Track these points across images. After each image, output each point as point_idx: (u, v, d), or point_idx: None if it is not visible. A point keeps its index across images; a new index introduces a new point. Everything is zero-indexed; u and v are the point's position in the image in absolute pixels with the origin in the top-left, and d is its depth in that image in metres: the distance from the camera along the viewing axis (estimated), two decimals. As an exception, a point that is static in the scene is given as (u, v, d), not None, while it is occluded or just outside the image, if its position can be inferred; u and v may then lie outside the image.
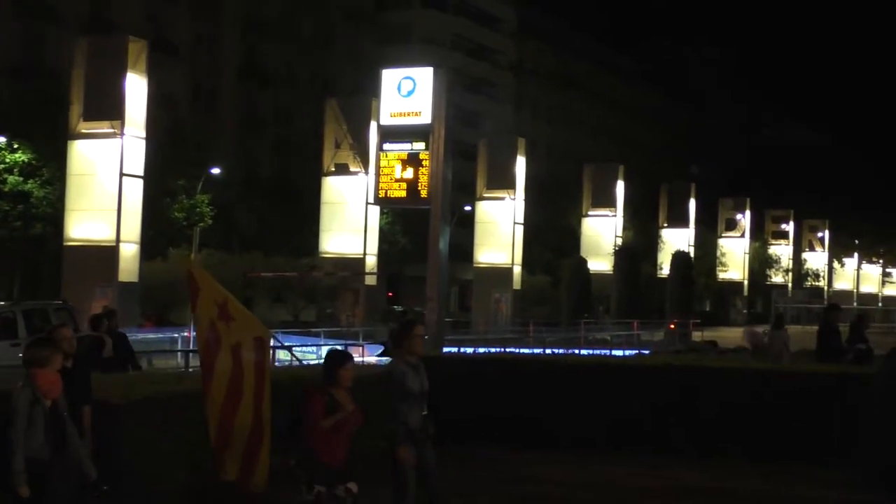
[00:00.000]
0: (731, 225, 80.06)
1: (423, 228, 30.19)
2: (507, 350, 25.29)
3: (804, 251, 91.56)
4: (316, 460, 7.27)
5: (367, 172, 42.32)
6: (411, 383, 8.00)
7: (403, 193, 28.86)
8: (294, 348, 24.39)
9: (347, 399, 7.42)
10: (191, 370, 17.94)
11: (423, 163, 28.26)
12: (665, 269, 64.70)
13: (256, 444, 7.88)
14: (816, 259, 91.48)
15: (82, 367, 8.37)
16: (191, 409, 8.81)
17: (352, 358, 7.75)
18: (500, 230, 51.78)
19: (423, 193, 27.80)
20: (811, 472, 11.77)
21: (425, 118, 27.95)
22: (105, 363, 12.75)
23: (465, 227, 55.28)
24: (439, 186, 25.38)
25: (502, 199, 51.84)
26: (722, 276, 77.07)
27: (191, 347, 26.10)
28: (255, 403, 7.87)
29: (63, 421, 6.84)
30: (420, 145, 28.87)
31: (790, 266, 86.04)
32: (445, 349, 20.38)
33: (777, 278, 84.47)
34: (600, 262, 59.37)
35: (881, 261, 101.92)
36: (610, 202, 62.69)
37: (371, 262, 44.78)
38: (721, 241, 78.86)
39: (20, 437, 6.59)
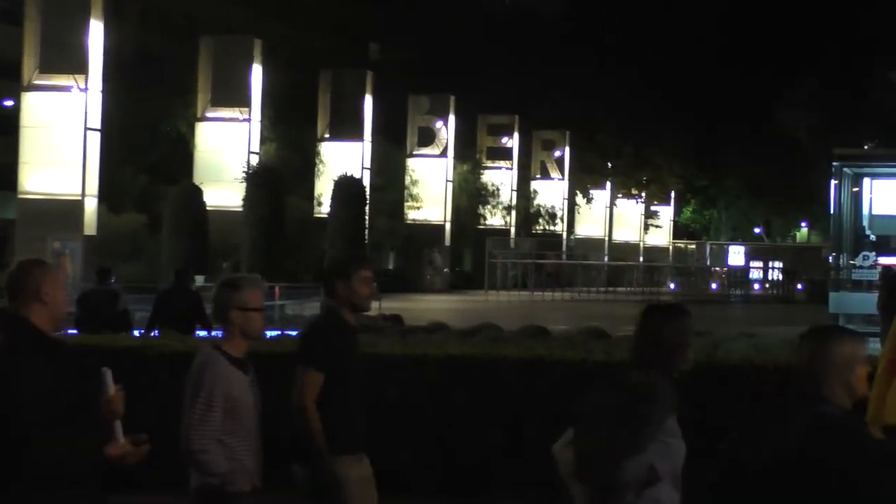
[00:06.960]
0: (427, 137, 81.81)
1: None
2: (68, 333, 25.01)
3: (535, 179, 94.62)
4: None
5: None
6: None
7: None
8: None
9: None
10: None
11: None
12: (326, 205, 65.85)
13: None
14: (552, 192, 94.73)
15: None
16: None
17: None
18: (60, 139, 51.02)
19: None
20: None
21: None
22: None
23: (5, 134, 53.97)
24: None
25: (66, 88, 50.96)
26: (413, 215, 79.04)
27: None
28: None
29: None
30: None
31: (514, 202, 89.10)
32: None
33: (495, 219, 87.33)
34: (225, 192, 59.58)
35: (643, 194, 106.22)
36: (240, 98, 62.87)
37: None
38: (412, 163, 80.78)
39: None
